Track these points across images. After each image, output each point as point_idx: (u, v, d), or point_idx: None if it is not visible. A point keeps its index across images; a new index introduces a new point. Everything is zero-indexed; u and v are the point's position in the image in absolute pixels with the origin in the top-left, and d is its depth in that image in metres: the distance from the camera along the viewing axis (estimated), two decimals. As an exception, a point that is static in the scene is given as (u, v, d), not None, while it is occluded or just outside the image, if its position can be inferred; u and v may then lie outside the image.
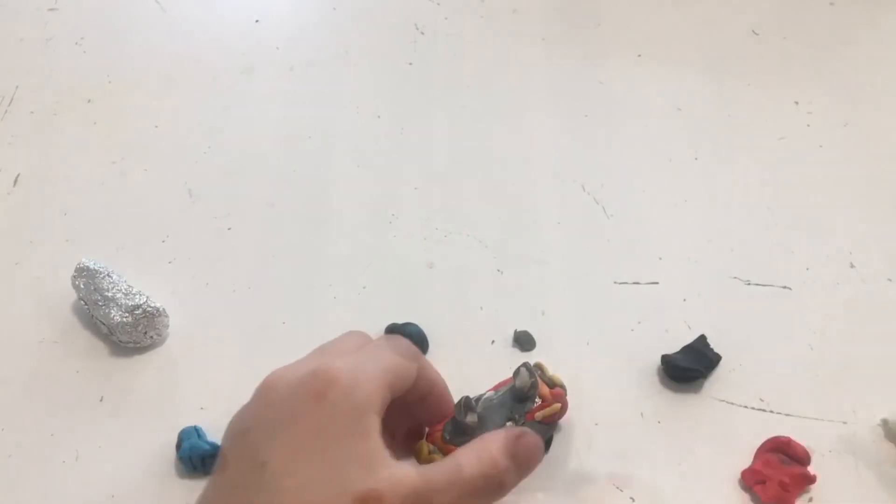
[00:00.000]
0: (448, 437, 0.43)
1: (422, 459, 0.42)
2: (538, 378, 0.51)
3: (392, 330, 0.70)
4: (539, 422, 0.49)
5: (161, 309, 0.69)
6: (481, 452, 0.35)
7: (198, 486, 0.61)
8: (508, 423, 0.47)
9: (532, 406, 0.49)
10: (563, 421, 0.66)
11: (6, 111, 0.86)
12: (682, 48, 0.97)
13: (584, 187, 0.82)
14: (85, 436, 0.65)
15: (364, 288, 0.74)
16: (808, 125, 0.89)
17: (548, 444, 0.44)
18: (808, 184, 0.84)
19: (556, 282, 0.75)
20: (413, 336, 0.70)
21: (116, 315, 0.67)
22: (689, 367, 0.68)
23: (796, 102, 0.91)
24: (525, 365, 0.49)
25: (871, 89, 0.93)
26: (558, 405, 0.51)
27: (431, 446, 0.42)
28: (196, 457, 0.61)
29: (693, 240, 0.79)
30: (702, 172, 0.84)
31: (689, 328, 0.72)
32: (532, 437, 0.38)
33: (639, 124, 0.89)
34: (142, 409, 0.66)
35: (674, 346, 0.70)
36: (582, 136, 0.87)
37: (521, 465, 0.36)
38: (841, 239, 0.79)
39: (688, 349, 0.69)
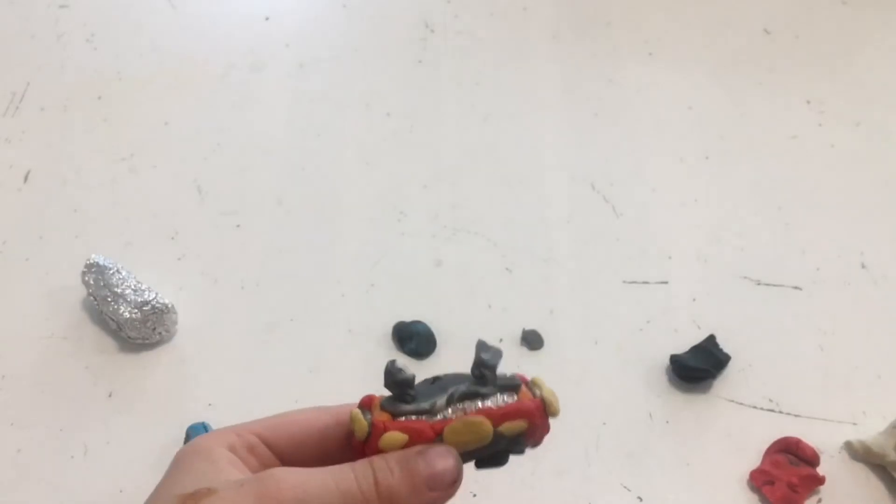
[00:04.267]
0: (385, 406, 0.33)
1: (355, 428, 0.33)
2: (503, 374, 0.35)
3: (400, 328, 0.70)
4: (496, 429, 0.32)
5: (170, 305, 0.69)
6: (359, 470, 0.30)
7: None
8: (445, 401, 0.33)
9: (491, 400, 0.33)
10: (570, 418, 0.66)
11: (17, 107, 0.87)
12: (693, 47, 0.96)
13: (593, 186, 0.82)
14: (93, 431, 0.65)
15: (372, 285, 0.74)
16: (820, 124, 0.89)
17: (499, 457, 0.34)
18: (820, 183, 0.83)
19: (564, 280, 0.75)
20: (421, 334, 0.69)
21: (125, 311, 0.67)
22: (697, 367, 0.67)
23: (808, 101, 0.91)
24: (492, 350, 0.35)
25: (884, 89, 0.92)
26: (524, 423, 0.33)
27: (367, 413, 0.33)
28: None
29: (703, 239, 0.78)
30: (712, 171, 0.84)
31: (699, 328, 0.72)
32: (436, 455, 0.31)
33: (649, 123, 0.88)
34: (150, 405, 0.67)
35: (683, 346, 0.70)
36: (592, 135, 0.87)
37: (417, 487, 0.30)
38: (852, 239, 0.79)
39: (697, 349, 0.69)
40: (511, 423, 0.32)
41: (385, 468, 0.30)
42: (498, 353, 0.34)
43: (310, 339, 0.70)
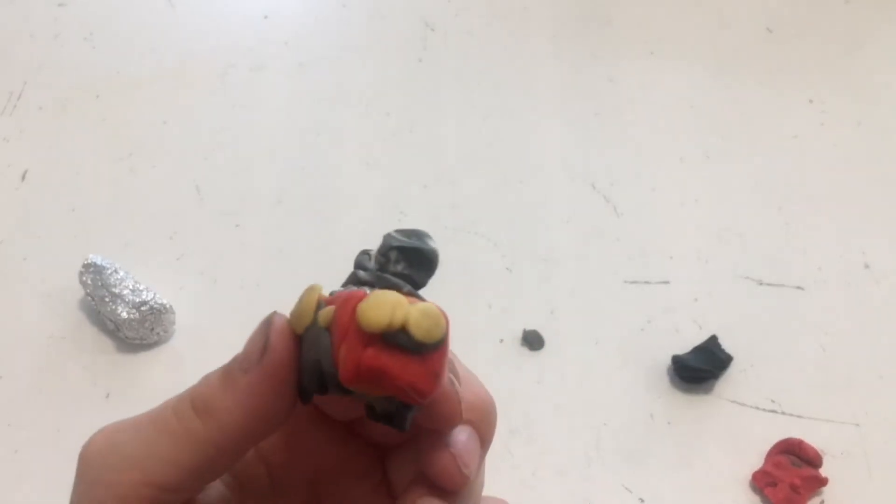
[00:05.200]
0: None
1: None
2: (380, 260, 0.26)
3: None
4: (317, 310, 0.25)
5: (168, 306, 0.68)
6: None
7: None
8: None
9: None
10: (571, 419, 0.66)
11: (14, 106, 0.86)
12: (694, 45, 0.96)
13: (594, 186, 0.82)
14: (91, 432, 0.64)
15: (372, 285, 0.74)
16: (822, 124, 0.88)
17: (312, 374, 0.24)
18: (822, 183, 0.83)
19: (565, 280, 0.75)
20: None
21: (123, 311, 0.67)
22: (699, 368, 0.67)
23: (810, 101, 0.90)
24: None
25: (886, 88, 0.92)
26: (332, 310, 0.24)
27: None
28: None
29: (704, 239, 0.78)
30: (713, 171, 0.84)
31: (700, 328, 0.71)
32: (251, 334, 0.25)
33: (650, 122, 0.88)
34: (148, 406, 0.66)
35: (684, 347, 0.69)
36: (592, 134, 0.87)
37: (232, 377, 0.24)
38: (854, 239, 0.78)
39: (698, 349, 0.69)
40: (326, 309, 0.24)
41: (204, 377, 0.25)
42: (387, 240, 0.25)
43: (309, 339, 0.70)
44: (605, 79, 0.92)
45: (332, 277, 0.81)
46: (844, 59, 0.95)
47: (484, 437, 0.25)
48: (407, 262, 0.25)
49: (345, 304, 0.23)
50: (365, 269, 0.26)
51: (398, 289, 0.24)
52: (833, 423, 0.66)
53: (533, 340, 0.70)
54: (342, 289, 0.25)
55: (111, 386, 0.67)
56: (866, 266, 0.76)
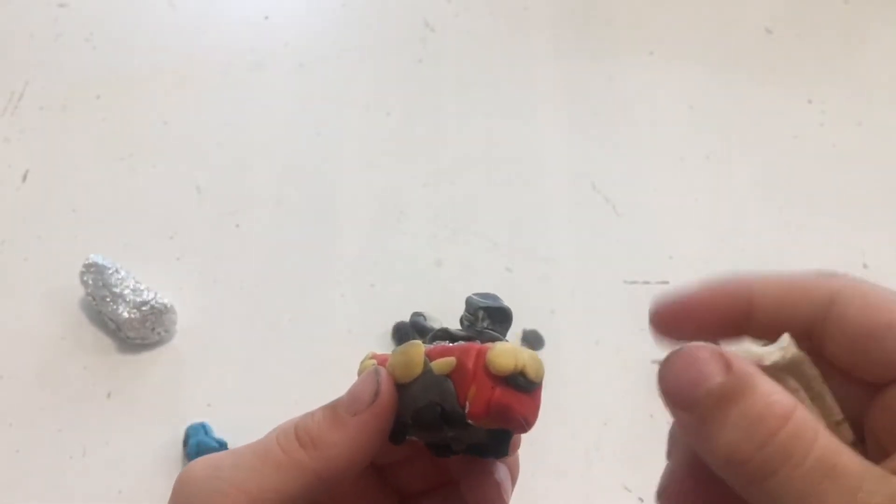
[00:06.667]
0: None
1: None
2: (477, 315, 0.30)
3: (400, 328, 0.70)
4: (427, 362, 0.28)
5: (169, 305, 0.68)
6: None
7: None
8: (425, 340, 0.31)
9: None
10: (571, 419, 0.66)
11: (16, 106, 0.86)
12: (694, 45, 0.96)
13: (594, 185, 0.82)
14: (92, 431, 0.65)
15: (372, 286, 0.74)
16: (822, 124, 0.88)
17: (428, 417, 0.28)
18: (821, 183, 0.83)
19: (565, 280, 0.75)
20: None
21: (124, 311, 0.67)
22: (699, 368, 0.67)
23: (809, 101, 0.90)
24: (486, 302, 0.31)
25: (886, 88, 0.92)
26: (453, 360, 0.27)
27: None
28: (203, 453, 0.61)
29: (704, 239, 0.78)
30: (713, 171, 0.84)
31: (700, 328, 0.71)
32: (358, 380, 0.29)
33: (650, 122, 0.88)
34: (149, 406, 0.66)
35: (684, 346, 0.69)
36: (592, 134, 0.87)
37: (339, 418, 0.27)
38: (854, 239, 0.78)
39: (698, 349, 0.69)
40: (443, 359, 0.28)
41: (307, 415, 0.28)
42: (473, 302, 0.30)
43: (310, 339, 0.70)
44: (604, 79, 0.92)
45: (332, 276, 0.81)
46: (844, 59, 0.95)
47: (514, 475, 0.31)
48: (491, 319, 0.30)
49: (465, 355, 0.27)
50: (423, 328, 0.31)
51: (499, 340, 0.29)
52: (832, 423, 0.67)
53: (533, 340, 0.70)
54: (432, 345, 0.29)
55: (112, 386, 0.67)
56: (865, 266, 0.76)
